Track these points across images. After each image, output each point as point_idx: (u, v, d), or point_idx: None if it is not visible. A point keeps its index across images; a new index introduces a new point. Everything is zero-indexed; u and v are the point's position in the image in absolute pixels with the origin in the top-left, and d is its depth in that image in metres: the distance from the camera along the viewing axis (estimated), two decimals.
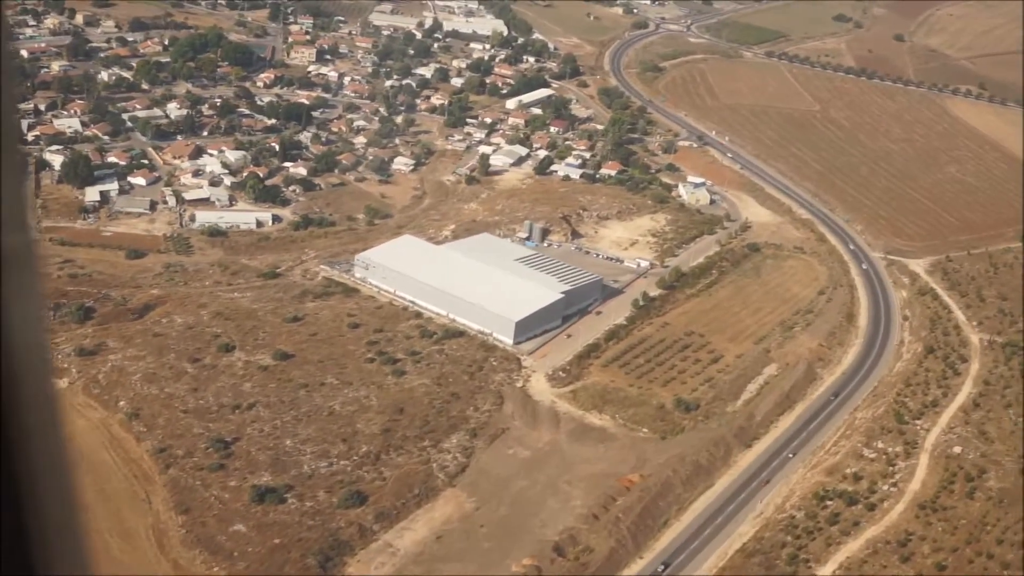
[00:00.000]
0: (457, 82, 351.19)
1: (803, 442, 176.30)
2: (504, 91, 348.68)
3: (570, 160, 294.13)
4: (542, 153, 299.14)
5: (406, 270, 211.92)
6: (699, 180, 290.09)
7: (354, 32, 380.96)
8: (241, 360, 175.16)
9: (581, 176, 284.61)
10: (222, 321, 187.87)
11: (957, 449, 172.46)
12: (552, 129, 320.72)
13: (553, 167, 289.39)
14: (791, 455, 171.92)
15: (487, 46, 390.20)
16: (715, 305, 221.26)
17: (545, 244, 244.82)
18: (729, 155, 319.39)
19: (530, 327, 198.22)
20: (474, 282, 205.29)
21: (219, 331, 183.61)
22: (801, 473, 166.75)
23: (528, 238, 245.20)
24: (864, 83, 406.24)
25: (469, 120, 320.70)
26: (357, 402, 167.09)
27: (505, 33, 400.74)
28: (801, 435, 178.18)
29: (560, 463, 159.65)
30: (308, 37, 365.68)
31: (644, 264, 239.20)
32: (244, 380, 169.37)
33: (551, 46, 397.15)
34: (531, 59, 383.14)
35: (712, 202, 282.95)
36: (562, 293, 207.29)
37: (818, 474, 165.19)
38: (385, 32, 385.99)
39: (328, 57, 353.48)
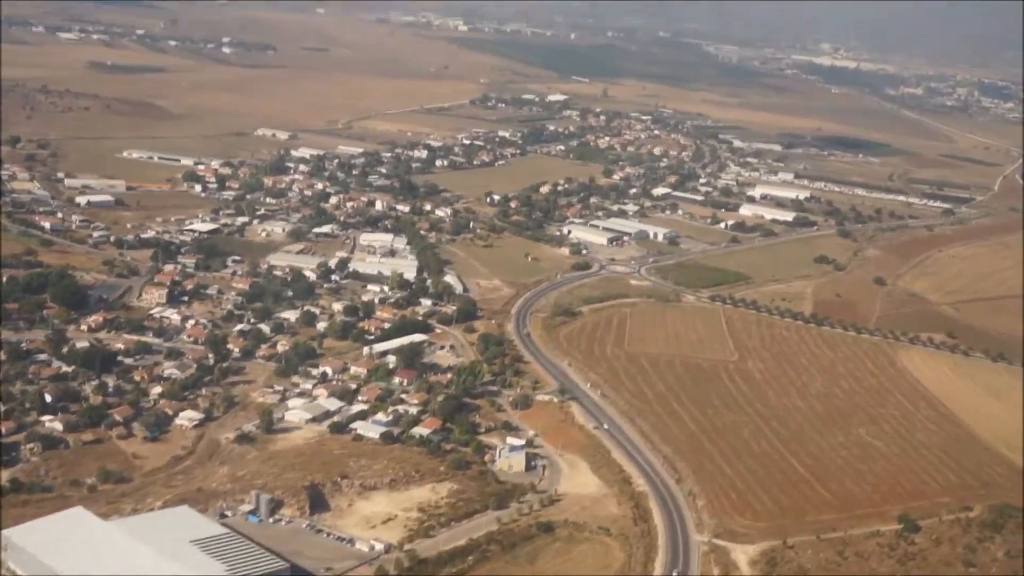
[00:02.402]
0: (323, 326, 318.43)
1: None
2: (371, 337, 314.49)
3: (378, 417, 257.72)
4: (356, 408, 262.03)
5: (47, 555, 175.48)
6: (519, 443, 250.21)
7: (238, 273, 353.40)
8: None
9: (380, 436, 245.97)
10: None
11: None
12: (396, 380, 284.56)
13: (354, 424, 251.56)
14: None
15: (384, 288, 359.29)
16: None
17: (272, 519, 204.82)
18: (592, 412, 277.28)
19: None
20: (122, 571, 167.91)
21: None
22: None
23: (254, 511, 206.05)
24: (810, 331, 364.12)
25: (307, 369, 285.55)
26: None
27: (411, 275, 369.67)
28: None
29: None
30: (177, 277, 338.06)
31: (379, 547, 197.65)
32: None
33: (458, 289, 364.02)
34: (427, 302, 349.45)
35: (531, 468, 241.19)
36: None
37: None
38: (277, 272, 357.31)
39: (184, 299, 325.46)
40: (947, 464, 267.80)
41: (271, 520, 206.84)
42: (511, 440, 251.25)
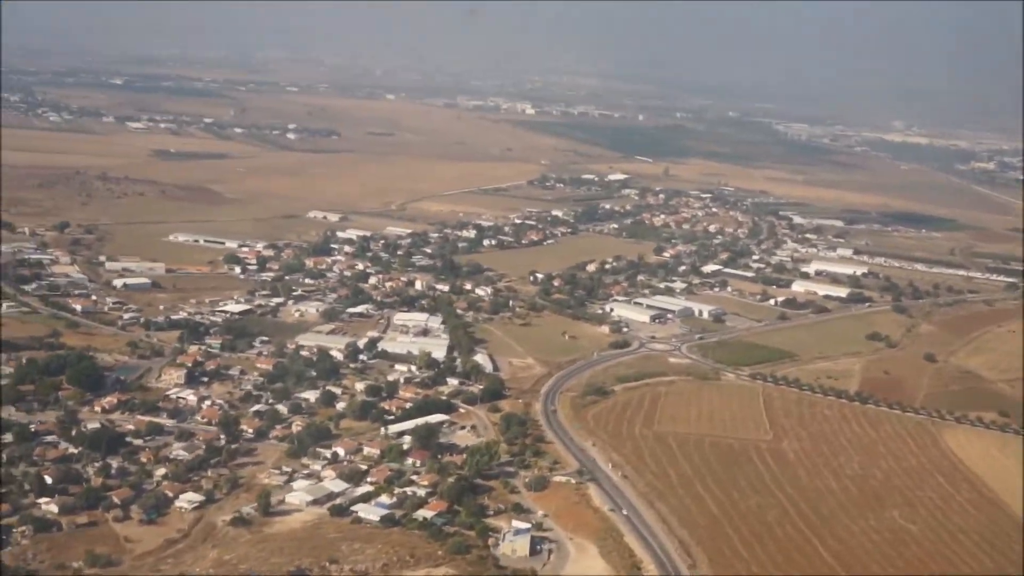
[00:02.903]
0: (342, 406, 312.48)
1: None
2: (391, 418, 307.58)
3: (382, 499, 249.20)
4: (362, 490, 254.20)
5: None
6: (524, 526, 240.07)
7: (264, 353, 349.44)
8: None
9: (380, 519, 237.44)
10: None
11: None
12: (409, 461, 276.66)
13: (356, 507, 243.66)
14: None
15: (412, 367, 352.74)
16: None
17: None
18: (609, 494, 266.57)
19: None
20: None
21: None
22: None
23: None
24: (853, 409, 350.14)
25: (319, 450, 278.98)
26: None
27: (440, 354, 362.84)
28: None
29: None
30: (199, 358, 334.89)
31: None
32: None
33: (488, 368, 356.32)
34: (454, 382, 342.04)
35: (536, 552, 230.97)
36: None
37: None
38: (304, 353, 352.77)
39: (204, 379, 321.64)
40: (983, 548, 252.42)
41: None
42: (516, 523, 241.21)
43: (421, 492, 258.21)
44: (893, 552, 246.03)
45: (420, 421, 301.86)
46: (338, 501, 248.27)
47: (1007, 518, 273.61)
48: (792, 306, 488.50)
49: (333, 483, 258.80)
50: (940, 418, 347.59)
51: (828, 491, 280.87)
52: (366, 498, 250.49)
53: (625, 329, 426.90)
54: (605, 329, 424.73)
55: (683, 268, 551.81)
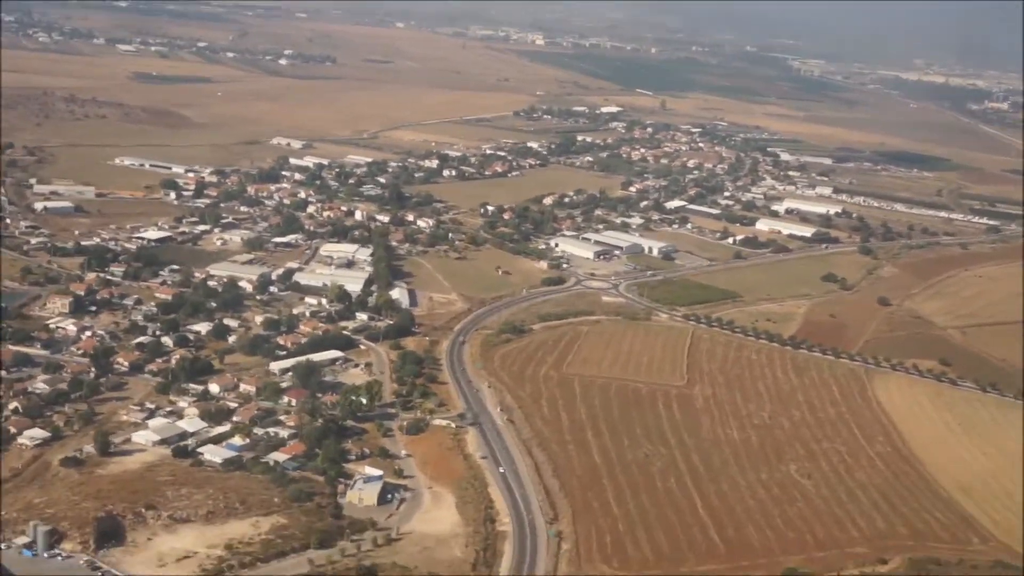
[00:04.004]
0: (234, 340, 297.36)
1: None
2: (283, 353, 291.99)
3: (234, 441, 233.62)
4: (219, 430, 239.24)
5: None
6: (376, 473, 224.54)
7: (167, 283, 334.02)
8: None
9: (224, 462, 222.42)
10: None
11: None
12: (284, 400, 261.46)
13: (202, 448, 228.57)
14: None
15: (323, 301, 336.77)
16: None
17: (49, 554, 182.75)
18: (489, 440, 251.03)
19: None
20: None
21: None
22: None
23: (30, 545, 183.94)
24: (784, 354, 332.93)
25: (190, 387, 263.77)
26: None
27: (356, 287, 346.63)
28: None
29: None
30: (95, 286, 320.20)
31: None
32: None
33: (404, 303, 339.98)
34: (364, 317, 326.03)
35: (387, 501, 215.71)
36: None
37: None
38: (211, 283, 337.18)
39: (93, 309, 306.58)
40: (880, 509, 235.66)
41: (46, 555, 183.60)
42: (369, 470, 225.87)
43: (284, 434, 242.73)
44: (775, 510, 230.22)
45: (318, 358, 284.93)
46: (186, 443, 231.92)
47: (916, 474, 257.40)
48: (751, 245, 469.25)
49: (190, 422, 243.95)
50: (876, 365, 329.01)
51: (727, 441, 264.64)
52: (218, 439, 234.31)
53: (565, 265, 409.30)
54: (543, 265, 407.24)
55: (645, 204, 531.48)
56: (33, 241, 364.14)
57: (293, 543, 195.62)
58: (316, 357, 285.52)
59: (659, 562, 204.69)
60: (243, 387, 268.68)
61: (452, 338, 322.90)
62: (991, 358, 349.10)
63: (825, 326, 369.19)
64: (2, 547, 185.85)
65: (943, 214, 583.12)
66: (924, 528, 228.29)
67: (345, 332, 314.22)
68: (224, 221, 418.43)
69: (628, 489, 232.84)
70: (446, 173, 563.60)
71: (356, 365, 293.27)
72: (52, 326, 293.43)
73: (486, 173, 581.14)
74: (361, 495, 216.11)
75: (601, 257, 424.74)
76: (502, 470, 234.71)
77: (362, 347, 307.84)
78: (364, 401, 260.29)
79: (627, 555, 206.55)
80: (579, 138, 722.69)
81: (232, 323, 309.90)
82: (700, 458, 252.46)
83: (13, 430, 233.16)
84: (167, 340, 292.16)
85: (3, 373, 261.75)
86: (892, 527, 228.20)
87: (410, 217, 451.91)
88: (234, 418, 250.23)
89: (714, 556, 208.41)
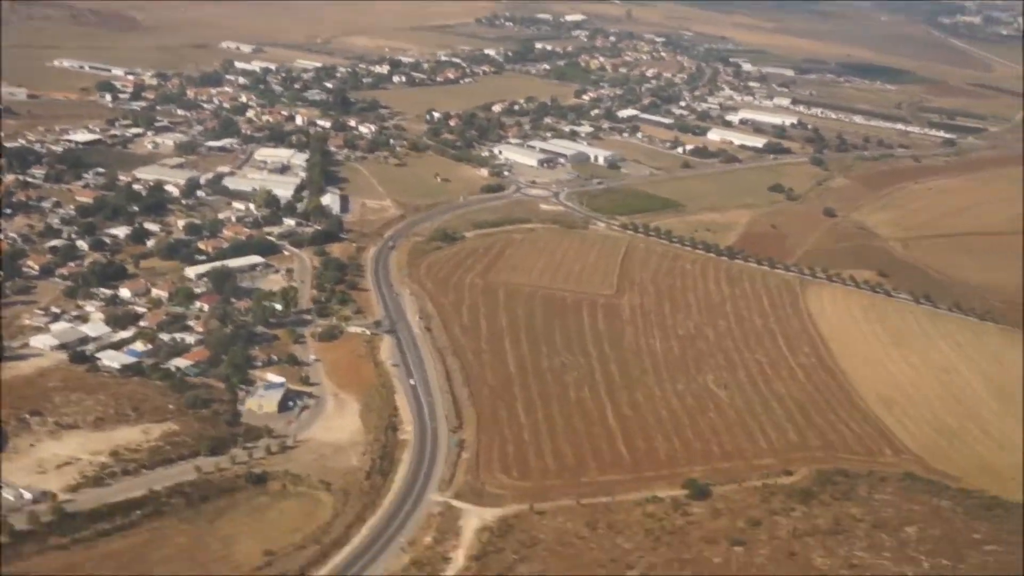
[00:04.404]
0: (153, 244, 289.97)
1: None
2: (203, 258, 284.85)
3: (135, 347, 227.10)
4: (123, 335, 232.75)
5: None
6: (278, 380, 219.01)
7: (90, 185, 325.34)
8: None
9: (122, 367, 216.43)
10: None
11: None
12: (196, 305, 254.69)
13: (101, 354, 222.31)
14: None
15: (250, 206, 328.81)
16: None
17: None
18: (402, 348, 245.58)
19: None
20: None
21: None
22: None
23: None
24: (719, 265, 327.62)
25: (101, 291, 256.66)
26: None
27: (287, 192, 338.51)
28: None
29: None
30: (12, 188, 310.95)
31: (27, 496, 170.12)
32: None
33: (335, 209, 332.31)
34: (291, 222, 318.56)
35: (288, 409, 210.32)
36: None
37: None
38: (137, 187, 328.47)
39: (8, 211, 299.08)
40: (794, 420, 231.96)
41: None
42: (271, 377, 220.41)
43: (191, 340, 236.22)
44: (687, 420, 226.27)
45: (224, 264, 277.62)
46: (86, 348, 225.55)
47: (836, 385, 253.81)
48: (700, 155, 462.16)
49: (94, 327, 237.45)
50: (812, 276, 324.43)
51: (648, 352, 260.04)
52: (120, 345, 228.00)
53: (507, 173, 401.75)
54: (484, 172, 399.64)
55: (596, 112, 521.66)
56: None
57: (182, 450, 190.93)
58: (234, 262, 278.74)
59: (561, 472, 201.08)
60: (155, 292, 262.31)
61: (380, 245, 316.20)
62: (929, 270, 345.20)
63: (766, 237, 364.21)
64: None
65: (900, 126, 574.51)
66: (837, 440, 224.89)
67: (270, 238, 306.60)
68: (158, 124, 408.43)
69: (539, 399, 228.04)
70: (396, 79, 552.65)
71: (277, 271, 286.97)
72: None
73: (437, 80, 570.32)
74: (261, 402, 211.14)
75: (545, 165, 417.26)
76: (412, 381, 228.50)
77: (286, 253, 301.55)
78: (279, 307, 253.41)
79: (528, 464, 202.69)
80: (538, 46, 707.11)
81: (153, 227, 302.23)
82: (618, 368, 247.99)
83: None
84: (82, 244, 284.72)
85: None
86: (804, 439, 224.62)
87: (352, 123, 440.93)
88: (140, 323, 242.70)
89: (618, 466, 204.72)
